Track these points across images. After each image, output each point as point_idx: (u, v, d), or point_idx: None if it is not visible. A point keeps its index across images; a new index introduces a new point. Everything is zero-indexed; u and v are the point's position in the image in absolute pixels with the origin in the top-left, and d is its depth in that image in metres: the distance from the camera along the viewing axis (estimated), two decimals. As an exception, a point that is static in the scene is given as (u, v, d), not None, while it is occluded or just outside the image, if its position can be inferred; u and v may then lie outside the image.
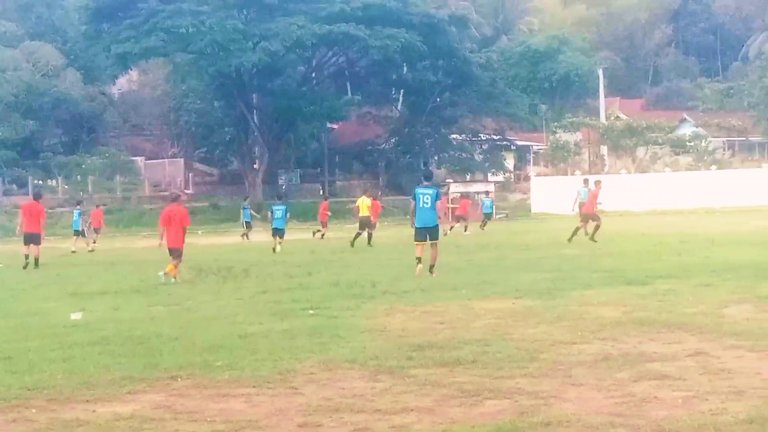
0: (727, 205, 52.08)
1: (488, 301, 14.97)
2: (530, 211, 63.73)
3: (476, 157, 77.95)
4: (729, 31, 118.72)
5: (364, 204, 34.96)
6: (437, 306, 14.57)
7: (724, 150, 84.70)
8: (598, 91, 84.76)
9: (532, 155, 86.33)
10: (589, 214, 31.11)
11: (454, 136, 78.33)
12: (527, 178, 74.67)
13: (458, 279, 18.59)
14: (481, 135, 79.19)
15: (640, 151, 75.21)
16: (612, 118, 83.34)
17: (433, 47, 68.46)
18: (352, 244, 32.65)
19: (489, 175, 77.79)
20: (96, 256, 33.66)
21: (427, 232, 20.30)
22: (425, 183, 20.96)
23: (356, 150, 79.18)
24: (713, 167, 65.64)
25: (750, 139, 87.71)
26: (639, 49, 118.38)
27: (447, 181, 66.22)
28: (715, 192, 55.88)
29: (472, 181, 73.35)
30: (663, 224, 32.96)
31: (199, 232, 48.88)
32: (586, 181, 37.12)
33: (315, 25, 63.28)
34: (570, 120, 78.50)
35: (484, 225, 44.29)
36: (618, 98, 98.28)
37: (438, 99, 75.73)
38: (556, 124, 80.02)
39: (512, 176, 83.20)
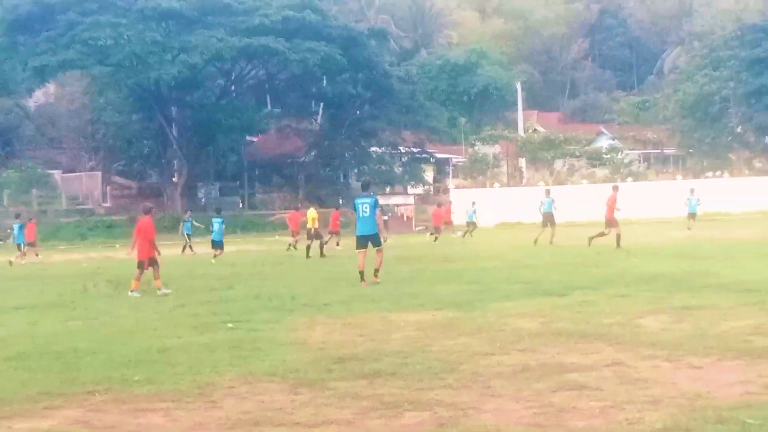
0: (643, 216, 52.81)
1: (408, 313, 15.00)
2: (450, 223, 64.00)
3: (396, 169, 78.11)
4: (644, 45, 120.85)
5: (311, 216, 35.22)
6: (357, 318, 14.57)
7: (640, 162, 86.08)
8: (517, 104, 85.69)
9: (451, 168, 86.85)
10: (610, 220, 31.32)
11: (374, 148, 78.45)
12: (446, 191, 75.03)
13: (378, 291, 18.61)
14: (401, 148, 79.37)
15: (558, 164, 76.04)
16: (530, 131, 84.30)
17: (353, 60, 68.60)
18: (307, 255, 32.84)
19: (408, 187, 78.08)
20: (11, 271, 33.08)
21: (368, 239, 20.96)
22: (363, 193, 21.76)
23: (276, 163, 78.87)
24: (629, 179, 66.62)
25: (665, 151, 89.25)
26: (556, 62, 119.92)
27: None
28: (631, 203, 56.62)
29: (392, 193, 73.53)
30: (580, 236, 33.31)
31: (117, 245, 48.29)
32: (548, 192, 37.69)
33: (234, 38, 63.01)
34: (489, 133, 79.12)
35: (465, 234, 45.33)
36: (536, 111, 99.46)
37: (358, 112, 75.85)
38: (474, 137, 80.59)
39: (431, 189, 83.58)
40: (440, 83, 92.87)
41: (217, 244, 33.76)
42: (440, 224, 45.25)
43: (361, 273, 20.63)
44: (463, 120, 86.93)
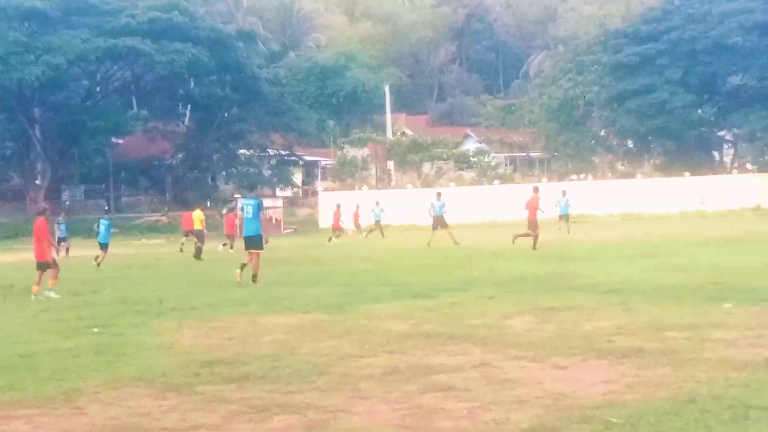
0: (510, 218, 53.51)
1: (277, 316, 14.93)
2: (318, 225, 63.95)
3: (264, 172, 77.77)
4: (510, 50, 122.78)
5: (197, 218, 35.46)
6: (226, 321, 14.45)
7: (506, 165, 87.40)
8: (385, 107, 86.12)
9: (320, 170, 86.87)
10: (532, 222, 31.60)
11: (242, 151, 78.07)
12: (315, 193, 75.01)
13: (247, 294, 18.49)
14: (270, 150, 79.09)
15: (426, 167, 76.65)
16: (398, 133, 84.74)
17: (221, 62, 68.14)
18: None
19: (277, 190, 77.80)
20: None
21: (248, 241, 21.52)
22: (249, 195, 22.92)
23: (143, 165, 77.71)
24: (496, 182, 67.60)
25: (530, 154, 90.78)
26: (424, 65, 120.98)
27: (234, 196, 65.87)
28: (498, 206, 57.54)
29: (260, 196, 73.12)
30: (447, 238, 33.67)
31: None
32: (438, 195, 37.89)
33: (99, 38, 61.93)
34: (357, 135, 79.31)
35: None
36: (404, 114, 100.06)
37: (226, 114, 75.25)
38: (343, 139, 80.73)
39: (300, 191, 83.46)
40: (309, 86, 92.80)
41: (103, 246, 32.95)
42: (338, 226, 44.66)
43: (243, 264, 21.23)
44: (331, 123, 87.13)
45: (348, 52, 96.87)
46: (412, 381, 9.36)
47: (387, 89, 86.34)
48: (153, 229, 62.60)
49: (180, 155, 77.19)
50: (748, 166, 78.40)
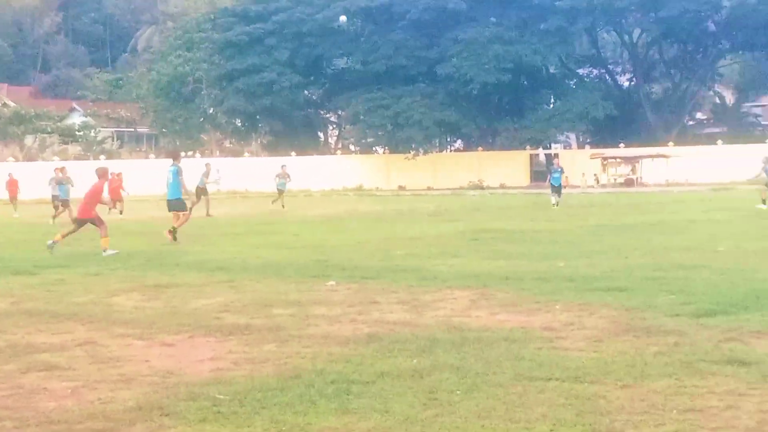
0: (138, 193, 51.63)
1: None
2: None
3: None
4: (119, 23, 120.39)
5: None
6: None
7: (114, 140, 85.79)
8: None
9: None
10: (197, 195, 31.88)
11: None
12: None
13: None
14: None
15: (29, 140, 73.80)
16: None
17: None
18: None
19: None
20: None
21: (168, 204, 23.72)
22: (172, 162, 24.10)
23: None
24: (102, 157, 66.23)
25: (138, 130, 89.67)
26: (28, 35, 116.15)
27: None
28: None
29: None
30: (47, 213, 32.62)
31: None
32: (208, 165, 39.08)
33: None
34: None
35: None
36: (6, 85, 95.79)
37: None
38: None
39: None
40: None
41: None
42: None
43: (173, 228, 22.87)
44: None
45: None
46: (13, 360, 8.95)
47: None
48: None
49: None
50: (351, 147, 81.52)
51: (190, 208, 26.27)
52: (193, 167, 41.62)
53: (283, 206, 40.13)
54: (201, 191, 36.24)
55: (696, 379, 7.45)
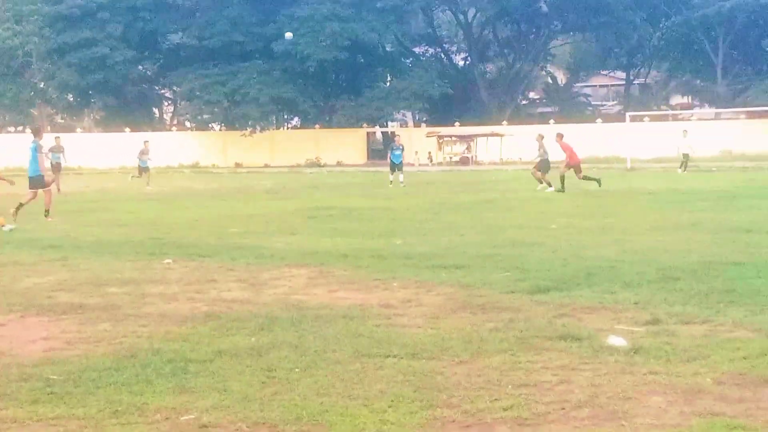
0: None
1: None
2: None
3: None
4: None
5: None
6: None
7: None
8: None
9: None
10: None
11: None
12: None
13: None
14: None
15: None
16: None
17: None
18: None
19: None
20: None
21: (30, 181, 22.83)
22: (33, 138, 23.42)
23: None
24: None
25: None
26: None
27: None
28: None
29: None
30: None
31: None
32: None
33: None
34: None
35: None
36: None
37: None
38: None
39: None
40: None
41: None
42: None
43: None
44: None
45: None
46: None
47: None
48: None
49: None
50: (187, 123, 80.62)
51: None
52: (22, 142, 40.44)
53: (148, 184, 39.25)
54: (56, 167, 35.35)
55: (530, 355, 7.63)
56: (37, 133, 24.05)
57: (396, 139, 42.85)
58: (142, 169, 41.46)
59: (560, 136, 31.97)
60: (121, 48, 71.28)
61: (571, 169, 30.74)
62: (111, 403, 6.44)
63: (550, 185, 30.78)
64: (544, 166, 32.33)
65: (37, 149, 22.80)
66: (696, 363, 7.23)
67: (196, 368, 7.36)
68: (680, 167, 44.81)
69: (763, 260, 12.48)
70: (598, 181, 30.56)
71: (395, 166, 38.11)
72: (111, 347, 8.25)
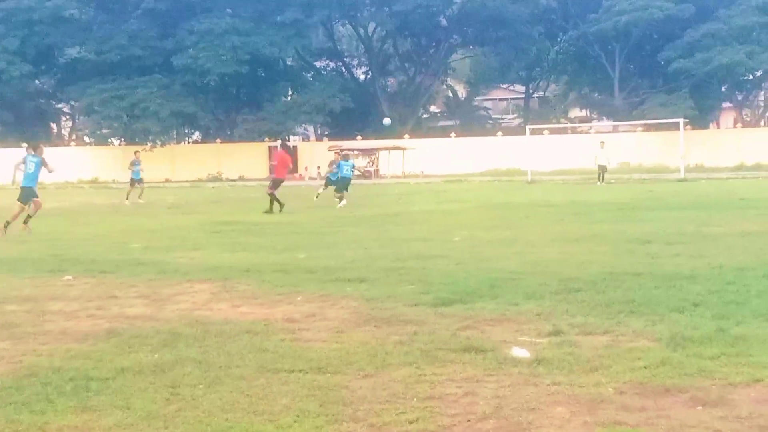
0: None
1: None
2: None
3: None
4: None
5: None
6: None
7: None
8: None
9: None
10: None
11: None
12: None
13: None
14: None
15: None
16: None
17: None
18: None
19: None
20: None
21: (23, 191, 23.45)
22: (33, 153, 23.84)
23: None
24: None
25: None
26: None
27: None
28: None
29: None
30: None
31: None
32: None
33: None
34: None
35: None
36: None
37: None
38: None
39: None
40: None
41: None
42: None
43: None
44: None
45: None
46: None
47: None
48: None
49: None
50: (86, 138, 79.53)
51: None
52: None
53: (139, 197, 39.39)
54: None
55: (435, 367, 7.65)
56: (36, 148, 24.49)
57: (347, 155, 37.92)
58: (135, 181, 40.98)
59: None
60: (17, 62, 70.07)
61: None
62: (11, 423, 6.31)
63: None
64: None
65: (42, 164, 23.57)
66: (598, 373, 7.32)
67: (99, 386, 7.24)
68: (598, 179, 45.67)
69: (662, 271, 12.70)
70: None
71: (344, 185, 34.10)
72: (10, 366, 8.09)
